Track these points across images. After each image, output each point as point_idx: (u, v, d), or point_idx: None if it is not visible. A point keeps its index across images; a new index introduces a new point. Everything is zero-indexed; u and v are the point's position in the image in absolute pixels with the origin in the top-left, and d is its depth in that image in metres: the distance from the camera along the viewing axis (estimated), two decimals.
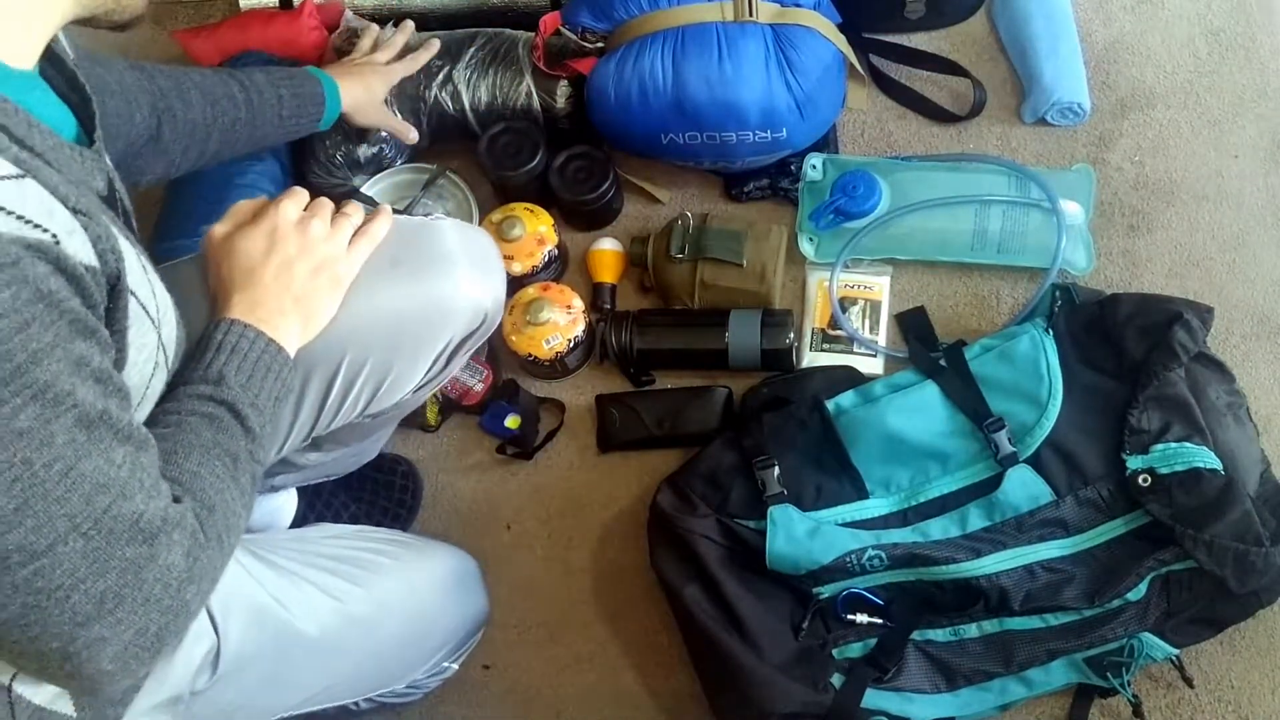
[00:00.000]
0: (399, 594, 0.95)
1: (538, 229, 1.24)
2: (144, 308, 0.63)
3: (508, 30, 1.32)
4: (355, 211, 0.87)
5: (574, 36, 1.24)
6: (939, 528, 1.09)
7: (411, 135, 1.24)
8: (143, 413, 0.69)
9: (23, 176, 0.53)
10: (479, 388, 1.23)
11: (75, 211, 0.56)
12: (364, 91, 1.17)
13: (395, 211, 1.28)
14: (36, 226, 0.52)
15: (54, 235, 0.53)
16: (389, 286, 0.87)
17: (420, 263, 0.88)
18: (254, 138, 1.04)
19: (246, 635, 0.82)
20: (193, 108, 0.96)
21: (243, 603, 0.83)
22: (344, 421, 0.92)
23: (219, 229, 0.84)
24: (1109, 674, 1.03)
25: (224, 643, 0.80)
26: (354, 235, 0.86)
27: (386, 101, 1.23)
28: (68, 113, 0.67)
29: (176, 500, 0.62)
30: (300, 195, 0.86)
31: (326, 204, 0.86)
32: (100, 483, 0.55)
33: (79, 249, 0.55)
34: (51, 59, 0.66)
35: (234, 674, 0.81)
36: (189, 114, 0.96)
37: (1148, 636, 1.03)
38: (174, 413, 0.71)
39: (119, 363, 0.61)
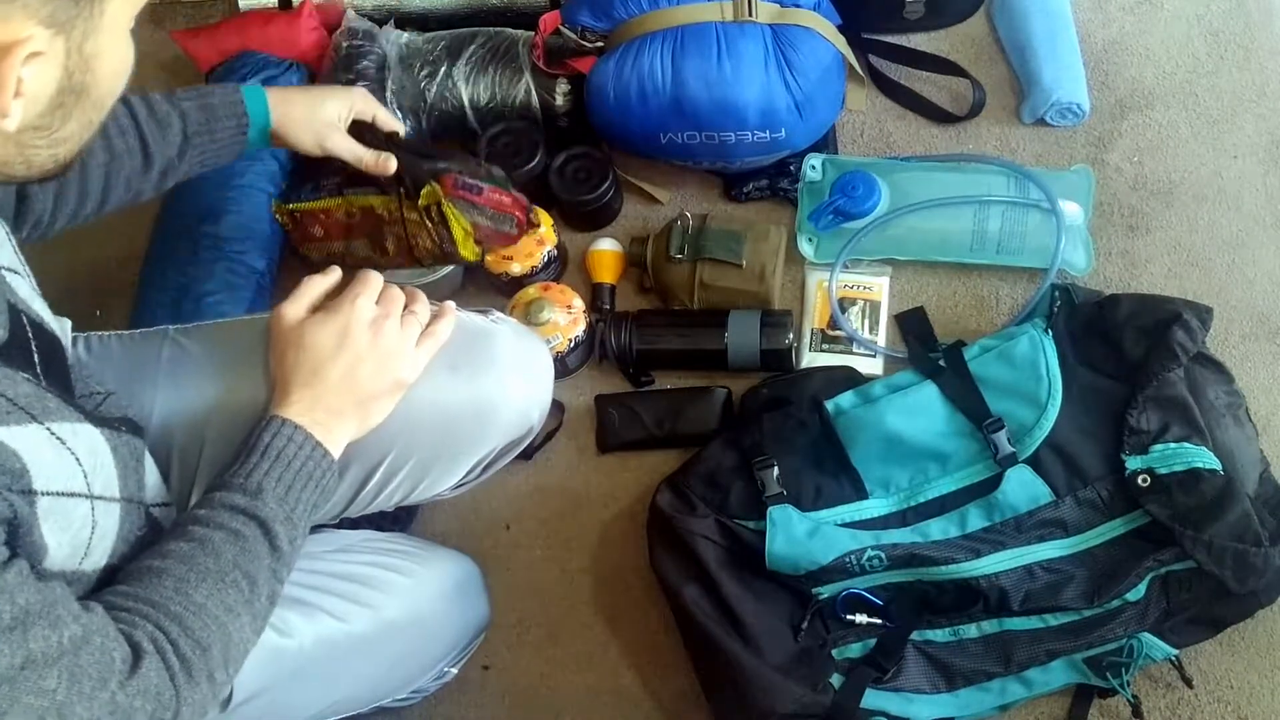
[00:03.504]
0: (405, 610, 0.94)
1: (537, 229, 1.24)
2: (61, 492, 0.62)
3: (508, 29, 1.32)
4: (422, 310, 0.86)
5: (573, 35, 1.24)
6: (938, 528, 1.09)
7: (389, 164, 1.00)
8: (96, 558, 0.67)
9: None
10: None
11: None
12: (307, 107, 0.98)
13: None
14: None
15: None
16: (442, 390, 0.87)
17: (475, 370, 0.88)
18: (166, 168, 0.92)
19: (259, 678, 0.81)
20: (94, 156, 0.86)
21: (258, 651, 0.81)
22: (374, 511, 0.93)
23: (290, 311, 0.82)
24: (1108, 674, 1.03)
25: (236, 690, 0.79)
26: (420, 335, 0.85)
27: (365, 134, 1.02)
28: None
29: (137, 660, 0.61)
30: (375, 287, 0.84)
31: (399, 299, 0.85)
32: (35, 719, 0.54)
33: None
34: None
35: (240, 708, 0.81)
36: (90, 161, 0.86)
37: (1147, 637, 1.03)
38: (203, 524, 0.70)
39: (38, 555, 0.60)
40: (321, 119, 0.99)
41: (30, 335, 0.68)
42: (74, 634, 0.57)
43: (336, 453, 0.79)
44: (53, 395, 0.65)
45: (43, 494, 0.59)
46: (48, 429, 0.62)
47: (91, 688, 0.57)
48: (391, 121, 1.05)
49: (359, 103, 1.03)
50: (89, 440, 0.67)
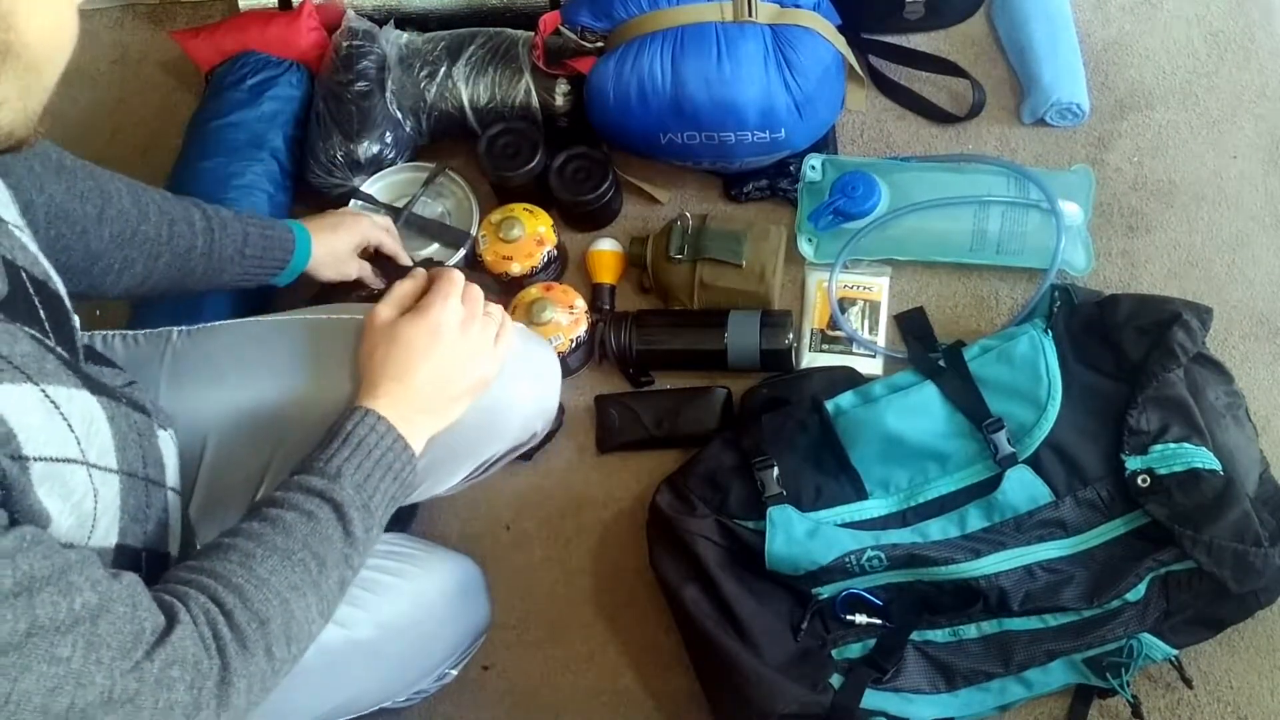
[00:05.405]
0: (406, 614, 0.94)
1: (537, 229, 1.24)
2: (56, 458, 0.61)
3: (508, 29, 1.32)
4: (495, 310, 0.88)
5: (573, 36, 1.24)
6: (938, 528, 1.09)
7: (375, 283, 1.14)
8: (103, 532, 0.67)
9: None
10: None
11: None
12: (332, 244, 1.08)
13: (396, 210, 1.29)
14: None
15: None
16: None
17: None
18: (209, 271, 0.96)
19: None
20: (148, 221, 0.90)
21: None
22: None
23: (384, 312, 0.84)
24: (1108, 674, 1.03)
25: None
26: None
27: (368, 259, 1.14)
28: None
29: (169, 629, 0.60)
30: (459, 286, 0.86)
31: (480, 298, 0.87)
32: (50, 688, 0.53)
33: None
34: None
35: None
36: (142, 225, 0.90)
37: (1147, 637, 1.03)
38: (278, 504, 0.71)
39: (39, 524, 0.59)
40: (341, 255, 1.08)
41: (32, 291, 0.68)
42: (89, 601, 0.56)
43: (418, 447, 0.80)
44: (54, 357, 0.65)
45: (35, 459, 0.58)
46: (42, 390, 0.61)
47: (111, 657, 0.56)
48: (399, 253, 1.14)
49: (368, 233, 1.11)
50: (84, 406, 0.66)
